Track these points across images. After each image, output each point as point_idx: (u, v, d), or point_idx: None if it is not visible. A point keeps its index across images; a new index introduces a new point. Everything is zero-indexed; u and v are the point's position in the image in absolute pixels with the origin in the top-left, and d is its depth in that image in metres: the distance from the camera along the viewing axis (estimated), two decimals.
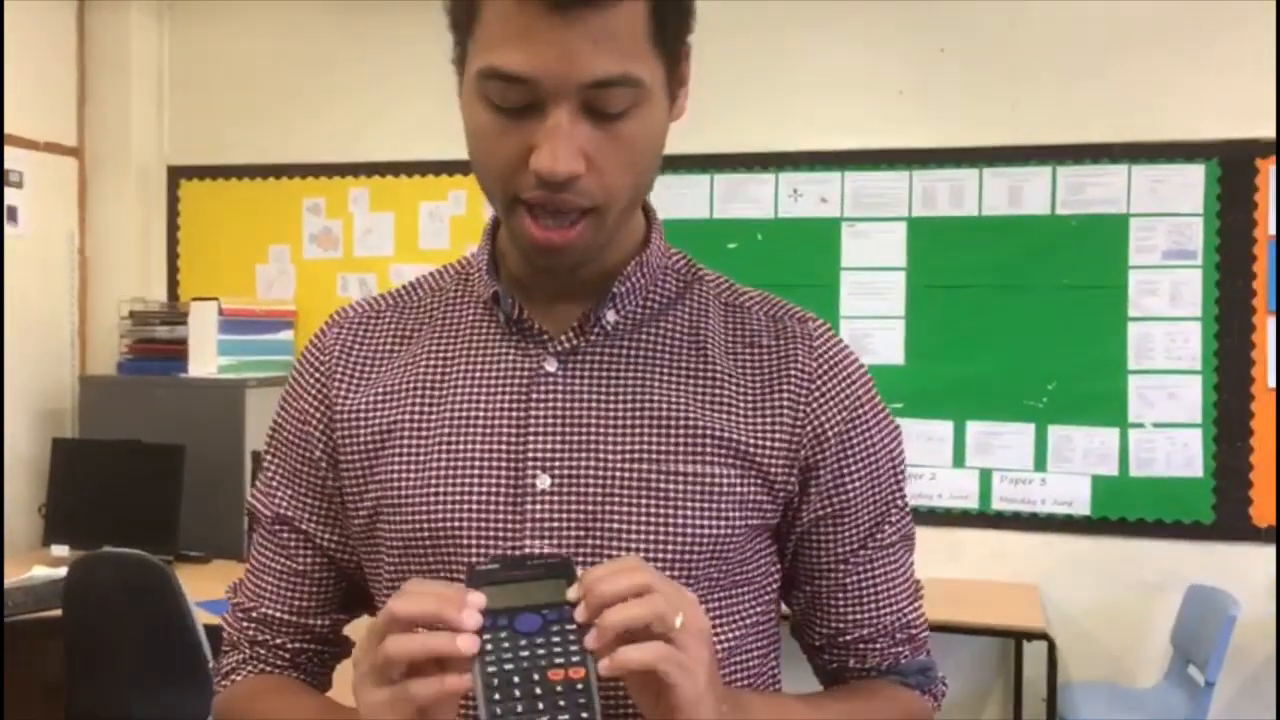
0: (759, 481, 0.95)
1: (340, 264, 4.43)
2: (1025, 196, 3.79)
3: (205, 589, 3.29)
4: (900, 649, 1.03)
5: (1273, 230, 3.60)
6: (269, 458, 1.06)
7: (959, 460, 3.84)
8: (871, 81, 3.91)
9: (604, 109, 0.83)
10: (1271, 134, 3.58)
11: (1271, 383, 3.60)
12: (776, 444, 0.96)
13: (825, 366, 0.99)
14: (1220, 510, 3.64)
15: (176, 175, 4.59)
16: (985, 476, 3.83)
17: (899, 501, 1.03)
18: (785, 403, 0.97)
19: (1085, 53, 3.74)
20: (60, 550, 3.84)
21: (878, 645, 1.02)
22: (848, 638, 1.02)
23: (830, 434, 0.98)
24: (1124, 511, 3.72)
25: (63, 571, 3.26)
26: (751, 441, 0.95)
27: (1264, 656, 3.58)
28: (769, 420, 0.96)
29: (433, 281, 1.06)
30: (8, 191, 4.16)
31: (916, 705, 1.03)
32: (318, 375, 1.02)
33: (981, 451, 3.83)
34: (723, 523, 0.93)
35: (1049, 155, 3.77)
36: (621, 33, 0.81)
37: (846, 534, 1.00)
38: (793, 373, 0.98)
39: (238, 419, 3.91)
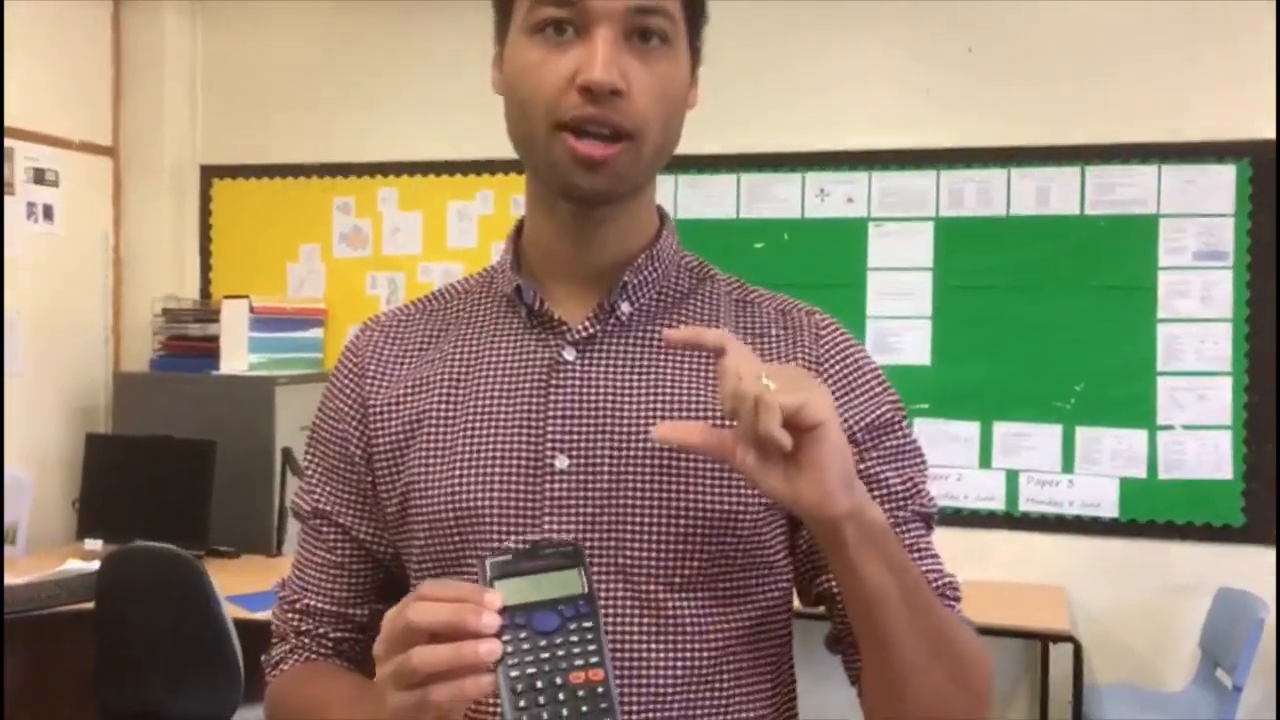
0: None
1: (369, 263, 4.47)
2: (1054, 197, 3.78)
3: (235, 584, 3.33)
4: (952, 604, 1.02)
5: None
6: (309, 457, 1.11)
7: (985, 461, 3.83)
8: (898, 81, 3.91)
9: (644, 30, 0.93)
10: None
11: None
12: None
13: (832, 352, 1.03)
14: (1250, 513, 3.61)
15: (209, 174, 4.64)
16: (1012, 478, 3.82)
17: (926, 481, 1.05)
18: None
19: (1114, 52, 3.72)
20: (93, 544, 3.90)
21: None
22: None
23: (846, 409, 1.00)
24: (1152, 514, 3.70)
25: (95, 565, 3.31)
26: None
27: None
28: None
29: (459, 287, 1.11)
30: (45, 190, 4.22)
31: (987, 652, 0.99)
32: (352, 376, 1.08)
33: (1008, 452, 3.82)
34: (735, 499, 0.96)
35: (1078, 155, 3.75)
36: None
37: (880, 495, 0.99)
38: (799, 357, 1.02)
39: (268, 415, 3.95)
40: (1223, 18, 3.63)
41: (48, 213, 4.24)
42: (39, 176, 4.20)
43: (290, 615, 1.10)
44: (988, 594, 3.54)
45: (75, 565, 3.65)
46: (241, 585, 3.38)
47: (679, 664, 0.95)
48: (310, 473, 1.10)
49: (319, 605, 1.08)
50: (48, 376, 4.20)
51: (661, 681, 0.95)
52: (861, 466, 0.99)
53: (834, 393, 1.00)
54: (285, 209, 4.56)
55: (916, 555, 1.00)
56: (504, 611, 0.76)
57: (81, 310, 4.39)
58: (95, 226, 4.46)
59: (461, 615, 0.76)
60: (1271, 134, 3.58)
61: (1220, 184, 3.64)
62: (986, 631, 3.51)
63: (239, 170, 4.61)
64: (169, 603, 3.07)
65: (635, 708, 0.94)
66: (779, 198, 4.02)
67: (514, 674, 0.75)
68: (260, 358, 4.17)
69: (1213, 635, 3.52)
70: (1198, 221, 3.66)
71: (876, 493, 0.99)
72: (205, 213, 4.65)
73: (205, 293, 4.62)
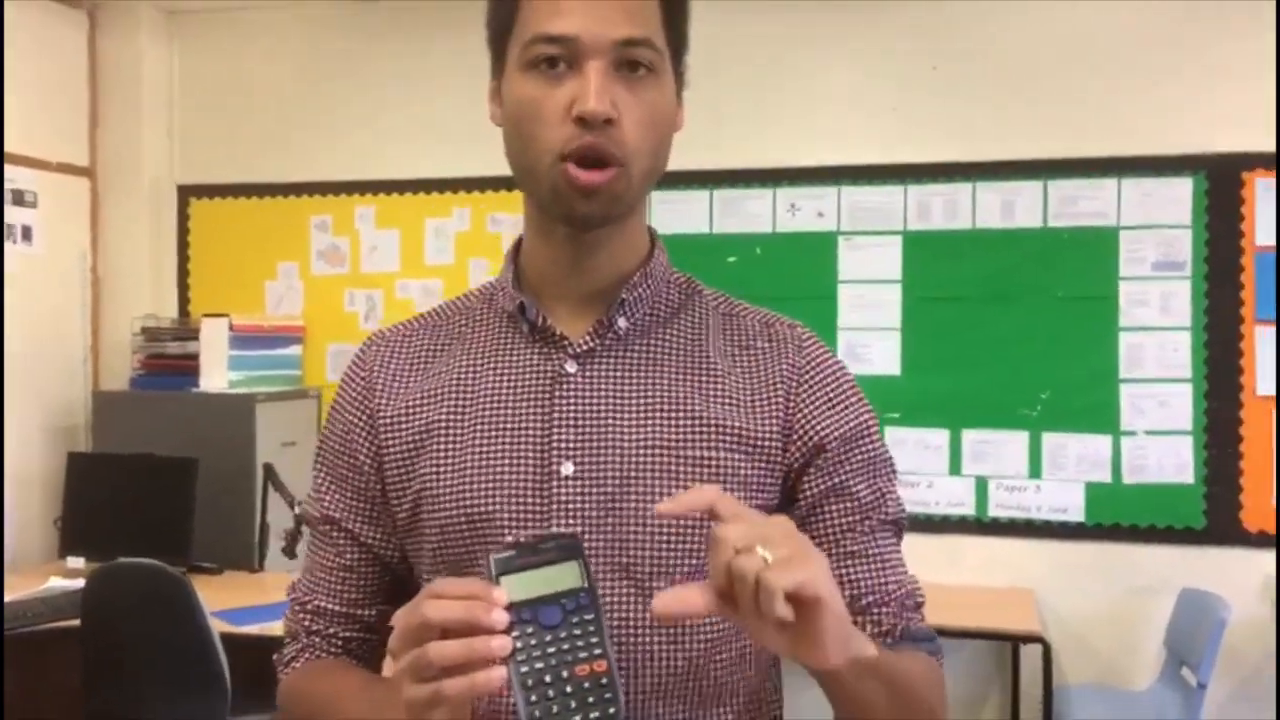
0: (761, 464, 1.05)
1: (347, 280, 4.52)
2: (1017, 210, 3.88)
3: (218, 599, 3.36)
4: (912, 615, 1.09)
5: (1259, 241, 3.69)
6: (317, 467, 1.16)
7: (955, 468, 3.92)
8: (866, 99, 4.00)
9: (632, 61, 1.00)
10: (1257, 147, 3.67)
11: (1260, 390, 3.68)
12: (773, 430, 1.06)
13: (813, 363, 1.10)
14: (1211, 515, 3.71)
15: (187, 194, 4.68)
16: (981, 484, 3.90)
17: (894, 488, 1.11)
18: (778, 393, 1.08)
19: (1074, 69, 3.83)
20: (76, 562, 3.91)
21: (891, 609, 1.07)
22: (864, 602, 1.06)
23: (822, 420, 1.07)
24: (1117, 517, 3.79)
25: (79, 583, 3.32)
26: (751, 429, 1.05)
27: (1255, 658, 3.65)
28: (764, 409, 1.07)
29: (460, 303, 1.17)
30: (22, 211, 4.25)
31: (939, 672, 1.10)
32: (360, 389, 1.13)
33: (977, 459, 3.90)
34: None
35: (1040, 169, 3.85)
36: (644, 9, 1.02)
37: (849, 505, 1.07)
38: (783, 367, 1.09)
39: (248, 432, 3.98)
40: (1179, 35, 3.74)
41: (26, 234, 4.27)
42: (17, 198, 4.22)
43: (301, 615, 1.15)
44: (959, 597, 3.62)
45: (58, 583, 3.67)
46: (224, 601, 3.41)
47: (679, 654, 1.02)
48: (319, 481, 1.15)
49: (329, 606, 1.13)
50: (28, 396, 4.22)
51: (663, 671, 1.01)
52: (835, 480, 1.07)
53: (815, 402, 1.08)
54: (263, 227, 4.60)
55: (882, 564, 1.07)
56: (510, 607, 0.81)
57: (60, 330, 4.41)
58: (73, 247, 4.49)
59: (473, 612, 0.80)
60: (1225, 148, 3.69)
61: (1177, 196, 3.75)
62: (959, 634, 3.56)
63: (216, 189, 4.65)
64: (155, 617, 3.10)
65: (640, 696, 1.01)
66: (751, 212, 4.10)
67: (524, 669, 0.80)
68: (240, 375, 4.20)
69: (1177, 635, 3.61)
70: (1156, 233, 3.77)
71: (846, 503, 1.07)
72: (183, 232, 4.69)
73: (184, 311, 4.65)
